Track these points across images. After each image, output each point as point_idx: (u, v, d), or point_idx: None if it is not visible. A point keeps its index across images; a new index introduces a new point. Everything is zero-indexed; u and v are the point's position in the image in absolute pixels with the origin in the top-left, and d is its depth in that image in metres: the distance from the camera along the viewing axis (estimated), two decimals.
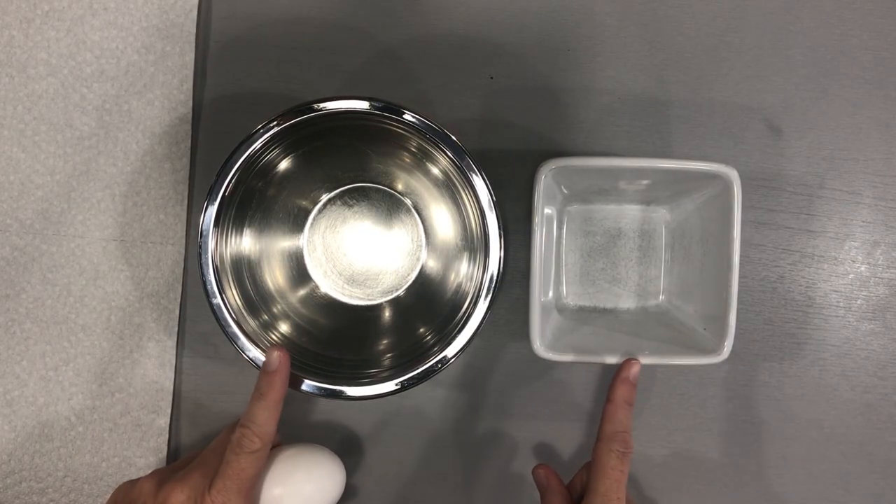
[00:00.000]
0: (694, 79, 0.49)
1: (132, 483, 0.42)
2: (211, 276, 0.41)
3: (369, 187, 0.48)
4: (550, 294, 0.48)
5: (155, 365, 0.49)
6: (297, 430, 0.50)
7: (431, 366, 0.41)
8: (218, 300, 0.41)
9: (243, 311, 0.43)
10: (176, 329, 0.49)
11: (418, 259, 0.48)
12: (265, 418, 0.40)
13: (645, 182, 0.46)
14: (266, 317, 0.45)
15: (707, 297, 0.45)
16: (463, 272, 0.46)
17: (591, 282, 0.49)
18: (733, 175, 0.43)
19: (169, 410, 0.49)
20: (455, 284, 0.46)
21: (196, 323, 0.50)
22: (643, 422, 0.50)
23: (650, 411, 0.50)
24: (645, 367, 0.50)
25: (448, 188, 0.46)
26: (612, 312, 0.49)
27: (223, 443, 0.43)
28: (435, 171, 0.46)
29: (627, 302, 0.49)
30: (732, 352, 0.44)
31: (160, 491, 0.40)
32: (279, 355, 0.40)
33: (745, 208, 0.49)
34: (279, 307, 0.46)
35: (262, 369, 0.41)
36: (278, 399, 0.40)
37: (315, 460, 0.44)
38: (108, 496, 0.49)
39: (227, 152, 0.41)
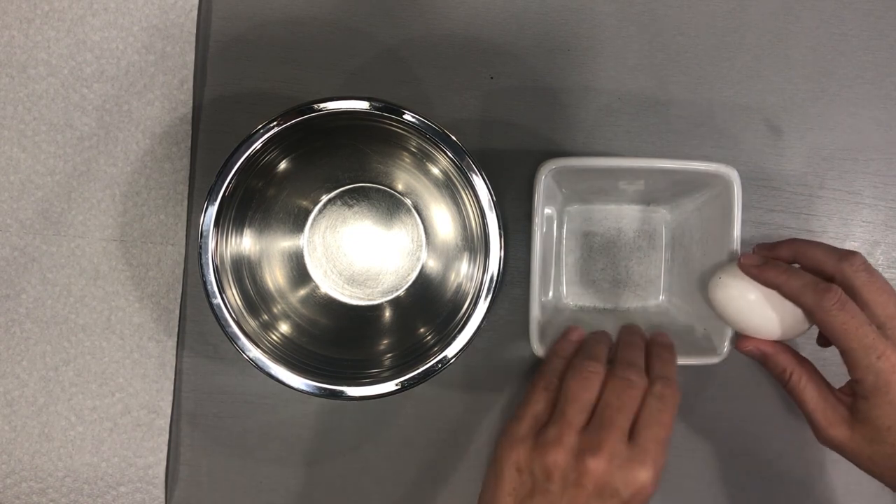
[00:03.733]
0: (694, 79, 0.49)
1: (539, 452, 0.39)
2: (211, 276, 0.41)
3: (369, 187, 0.48)
4: (550, 294, 0.48)
5: (155, 365, 0.49)
6: (297, 431, 0.50)
7: (431, 366, 0.41)
8: (218, 300, 0.41)
9: (243, 311, 0.43)
10: (176, 329, 0.49)
11: (418, 259, 0.48)
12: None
13: (644, 182, 0.46)
14: (266, 317, 0.45)
15: (707, 297, 0.45)
16: (463, 272, 0.46)
17: (591, 282, 0.49)
18: (733, 175, 0.43)
19: (169, 410, 0.49)
20: (455, 284, 0.46)
21: (196, 323, 0.50)
22: None
23: None
24: None
25: (448, 188, 0.46)
26: (612, 312, 0.49)
27: (584, 389, 0.40)
28: (435, 171, 0.46)
29: (627, 302, 0.49)
30: (733, 351, 0.44)
31: (579, 462, 0.38)
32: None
33: (745, 208, 0.49)
34: (279, 307, 0.46)
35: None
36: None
37: None
38: (107, 496, 0.49)
39: (227, 152, 0.41)
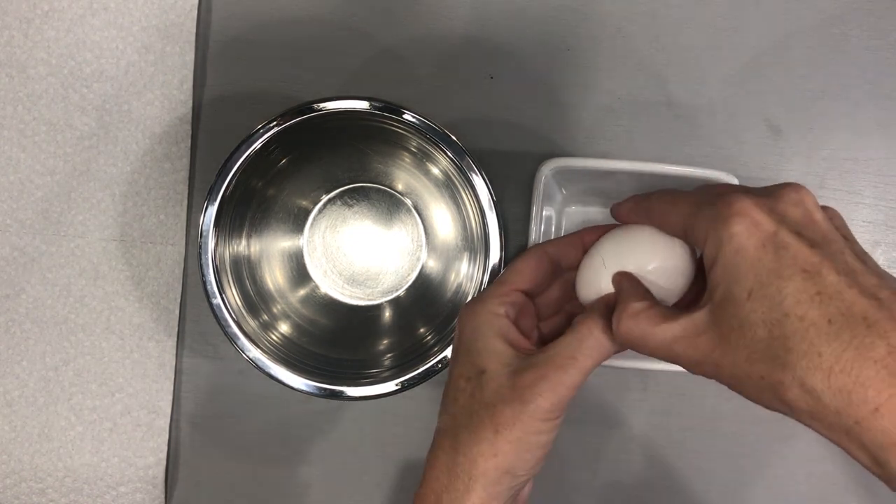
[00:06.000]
0: (694, 79, 0.49)
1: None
2: (211, 276, 0.41)
3: (369, 187, 0.48)
4: None
5: (155, 365, 0.49)
6: (297, 431, 0.50)
7: (431, 366, 0.41)
8: (218, 300, 0.41)
9: (243, 311, 0.43)
10: (176, 329, 0.49)
11: (418, 259, 0.48)
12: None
13: (644, 186, 0.46)
14: (266, 317, 0.45)
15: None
16: (463, 272, 0.46)
17: None
18: (733, 183, 0.43)
19: (169, 410, 0.49)
20: (455, 284, 0.46)
21: (196, 323, 0.50)
22: (642, 420, 0.50)
23: (651, 410, 0.50)
24: (645, 368, 0.50)
25: (448, 188, 0.46)
26: None
27: None
28: (435, 171, 0.46)
29: None
30: None
31: None
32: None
33: None
34: (279, 307, 0.46)
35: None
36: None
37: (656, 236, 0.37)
38: (107, 496, 0.49)
39: (227, 152, 0.41)
